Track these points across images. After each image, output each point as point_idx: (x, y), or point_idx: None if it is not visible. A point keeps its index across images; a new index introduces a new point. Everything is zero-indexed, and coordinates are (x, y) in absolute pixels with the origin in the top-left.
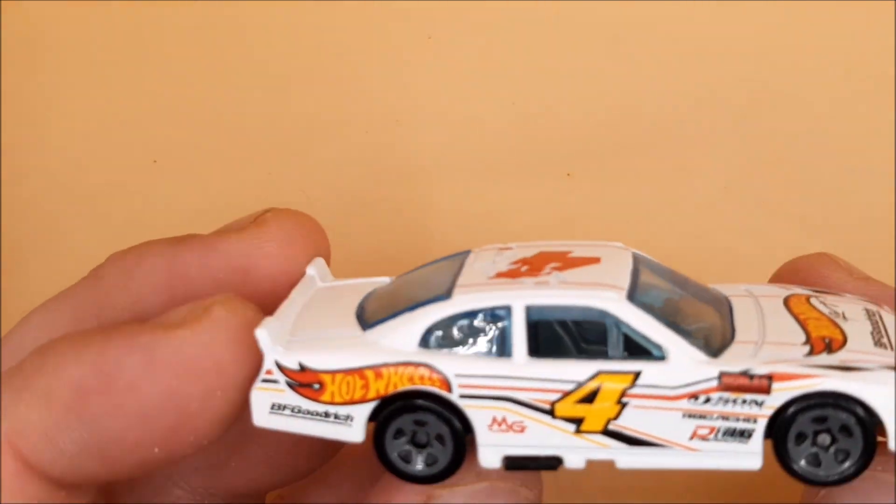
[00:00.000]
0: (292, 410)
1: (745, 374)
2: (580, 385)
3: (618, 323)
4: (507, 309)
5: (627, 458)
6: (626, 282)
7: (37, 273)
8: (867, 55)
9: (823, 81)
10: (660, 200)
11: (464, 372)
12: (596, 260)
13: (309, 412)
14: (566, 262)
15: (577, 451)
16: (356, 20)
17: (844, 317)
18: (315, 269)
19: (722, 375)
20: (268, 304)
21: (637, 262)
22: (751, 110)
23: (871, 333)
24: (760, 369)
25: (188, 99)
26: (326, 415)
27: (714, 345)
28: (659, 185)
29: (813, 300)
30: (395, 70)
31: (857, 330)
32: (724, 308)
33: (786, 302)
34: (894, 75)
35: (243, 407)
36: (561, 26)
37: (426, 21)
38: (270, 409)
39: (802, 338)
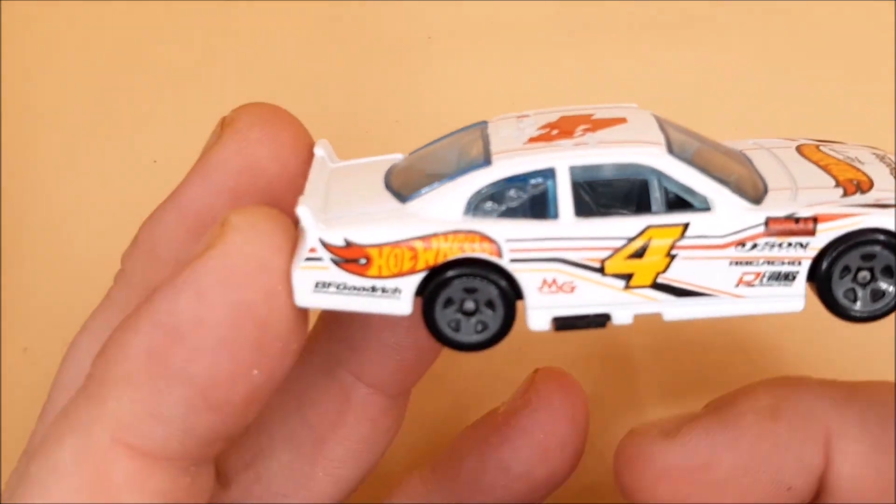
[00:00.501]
0: (337, 287)
1: (790, 217)
2: (630, 240)
3: (661, 177)
4: (551, 171)
5: (675, 311)
6: (661, 137)
7: (37, 273)
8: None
9: (823, 81)
10: None
11: (513, 236)
12: (622, 120)
13: (355, 288)
14: (595, 123)
15: (625, 306)
16: (356, 20)
17: (860, 160)
18: (323, 150)
19: (769, 221)
20: (285, 194)
21: (659, 120)
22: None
23: (891, 173)
24: (805, 212)
25: (188, 99)
26: (374, 289)
27: (753, 193)
28: None
29: (823, 148)
30: (394, 70)
31: (878, 171)
32: (746, 161)
33: (799, 151)
34: (894, 75)
35: None
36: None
37: (426, 21)
38: (315, 287)
39: (832, 182)
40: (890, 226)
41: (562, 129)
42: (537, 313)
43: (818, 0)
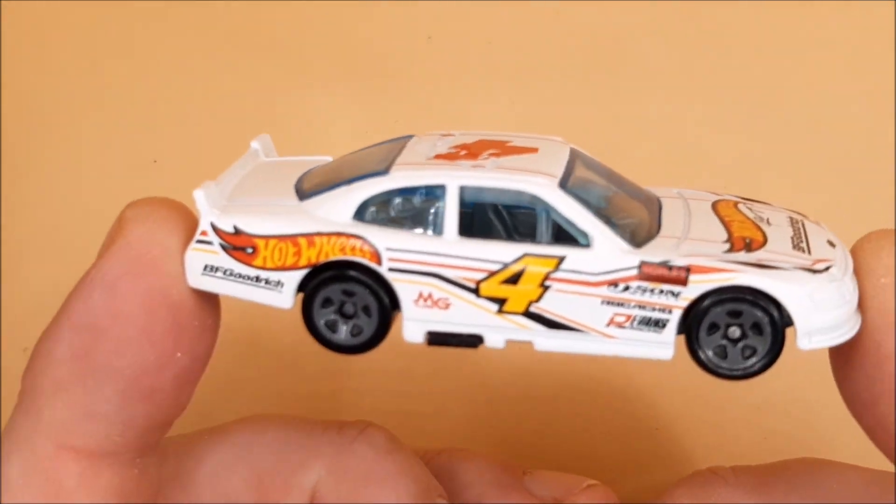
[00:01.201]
0: (224, 273)
1: (664, 264)
2: (506, 266)
3: (548, 209)
4: (442, 188)
5: (546, 341)
6: (559, 170)
7: (37, 273)
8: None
9: (823, 80)
10: None
11: (394, 246)
12: (534, 150)
13: (241, 275)
14: (505, 149)
15: (498, 330)
16: (357, 21)
17: (768, 222)
18: (259, 144)
19: (642, 265)
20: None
21: (574, 155)
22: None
23: (791, 238)
24: (679, 261)
25: (188, 99)
26: (258, 279)
27: (639, 237)
28: None
29: (741, 206)
30: (394, 69)
31: (779, 234)
32: (654, 206)
33: (714, 205)
34: (894, 75)
35: None
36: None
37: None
38: (203, 269)
39: (724, 236)
40: (760, 286)
41: (471, 150)
42: (412, 325)
43: (818, 0)
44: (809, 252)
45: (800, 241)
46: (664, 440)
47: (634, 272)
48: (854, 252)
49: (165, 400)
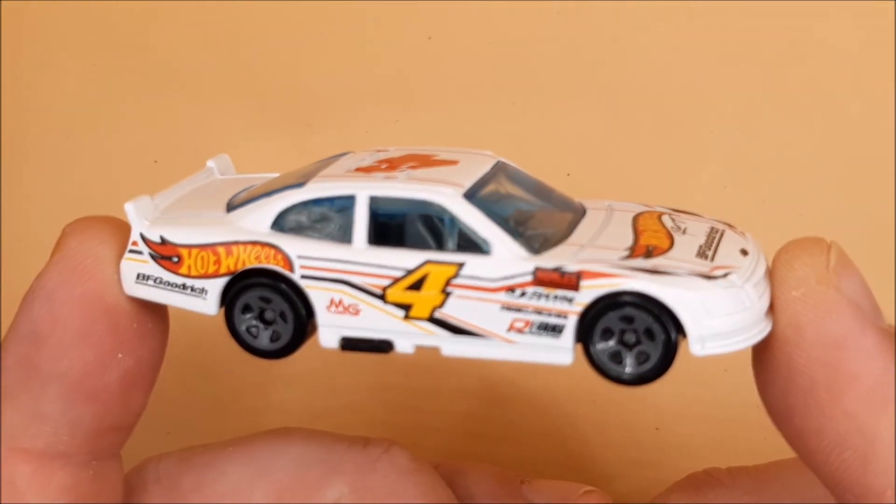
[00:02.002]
0: (155, 281)
1: (556, 270)
2: (409, 272)
3: (452, 218)
4: (352, 198)
5: (452, 347)
6: (470, 181)
7: (36, 273)
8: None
9: (823, 80)
10: None
11: (305, 254)
12: (454, 162)
13: (169, 283)
14: (425, 162)
15: (406, 336)
16: (357, 21)
17: (683, 231)
18: (215, 163)
19: (536, 270)
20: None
21: (497, 168)
22: (747, 111)
23: (700, 246)
24: (571, 267)
25: (188, 98)
26: (184, 287)
27: (544, 245)
28: None
29: (665, 217)
30: (393, 69)
31: (688, 242)
32: (573, 217)
33: (636, 216)
34: (894, 75)
35: None
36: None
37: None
38: (136, 278)
39: (628, 244)
40: (648, 290)
41: (392, 164)
42: (326, 331)
43: (818, 0)
44: (713, 259)
45: (707, 249)
46: (664, 440)
47: (530, 278)
48: (773, 261)
49: (112, 401)
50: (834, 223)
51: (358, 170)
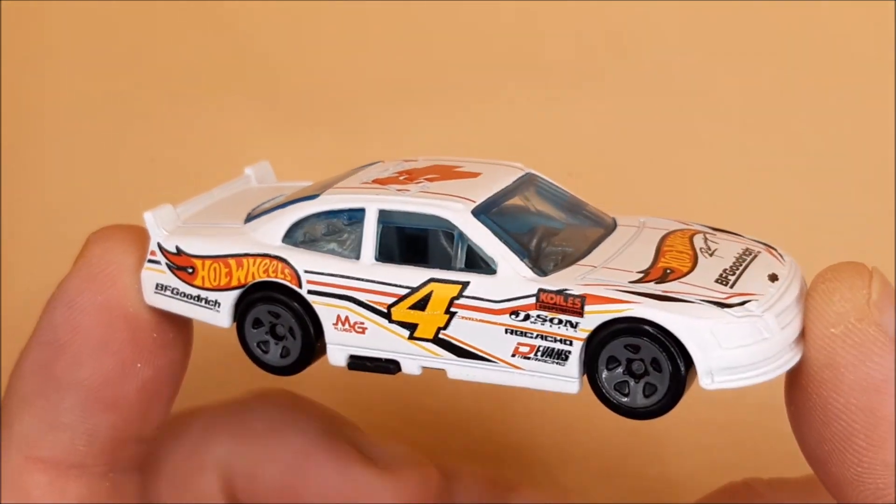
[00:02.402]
0: (172, 291)
1: (560, 293)
2: (413, 291)
3: (461, 235)
4: (362, 211)
5: (457, 370)
6: (483, 197)
7: (37, 273)
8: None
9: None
10: None
11: (313, 268)
12: (476, 174)
13: (185, 295)
14: (446, 174)
15: (412, 357)
16: (357, 21)
17: (712, 253)
18: (254, 170)
19: (540, 293)
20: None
21: (521, 181)
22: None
23: (723, 270)
24: (576, 290)
25: (187, 98)
26: (199, 298)
27: (557, 266)
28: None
29: (697, 237)
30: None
31: (712, 266)
32: (600, 235)
33: (665, 235)
34: (894, 76)
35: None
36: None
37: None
38: (155, 288)
39: (645, 266)
40: (653, 317)
41: (412, 175)
42: (334, 349)
43: (818, 0)
44: (734, 285)
45: (730, 274)
46: (665, 440)
47: (533, 300)
48: (809, 290)
49: (131, 412)
50: (837, 220)
51: (376, 181)
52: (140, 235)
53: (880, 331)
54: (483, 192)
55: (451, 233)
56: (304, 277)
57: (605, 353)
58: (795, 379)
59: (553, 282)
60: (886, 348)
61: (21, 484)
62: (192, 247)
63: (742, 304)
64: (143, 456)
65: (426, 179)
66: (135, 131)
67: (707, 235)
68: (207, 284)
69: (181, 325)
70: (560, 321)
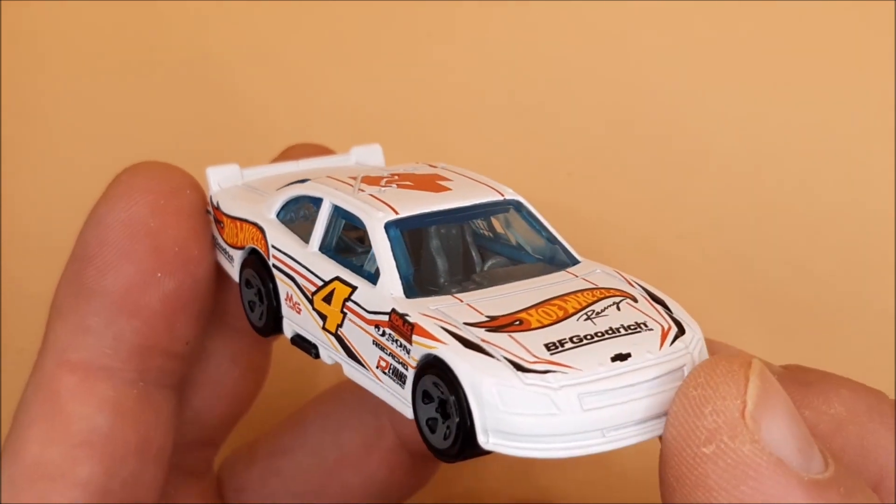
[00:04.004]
0: (216, 241)
1: (402, 316)
2: (325, 284)
3: (371, 241)
4: (320, 201)
5: (349, 369)
6: (413, 211)
7: (37, 273)
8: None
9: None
10: None
11: (277, 244)
12: (446, 189)
13: (219, 245)
14: (420, 183)
15: (324, 346)
16: (358, 21)
17: (595, 317)
18: (361, 150)
19: (392, 312)
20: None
21: (493, 207)
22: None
23: (573, 337)
24: (412, 317)
25: (188, 98)
26: (225, 251)
27: (431, 293)
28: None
29: (607, 300)
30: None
31: (570, 329)
32: (531, 273)
33: (582, 290)
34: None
35: (195, 225)
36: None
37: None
38: (213, 237)
39: (508, 312)
40: (449, 363)
41: (395, 179)
42: (285, 322)
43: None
44: (558, 353)
45: (573, 342)
46: None
47: (387, 318)
48: (679, 394)
49: (155, 320)
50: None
51: (364, 178)
52: (165, 168)
53: (756, 449)
54: (421, 207)
55: (370, 237)
56: (271, 252)
57: (419, 386)
58: (668, 491)
59: (407, 305)
60: (763, 469)
61: (52, 387)
62: (224, 204)
63: (544, 372)
64: (176, 373)
65: (397, 184)
66: (136, 130)
67: (624, 303)
68: (228, 240)
69: (204, 248)
70: (400, 344)
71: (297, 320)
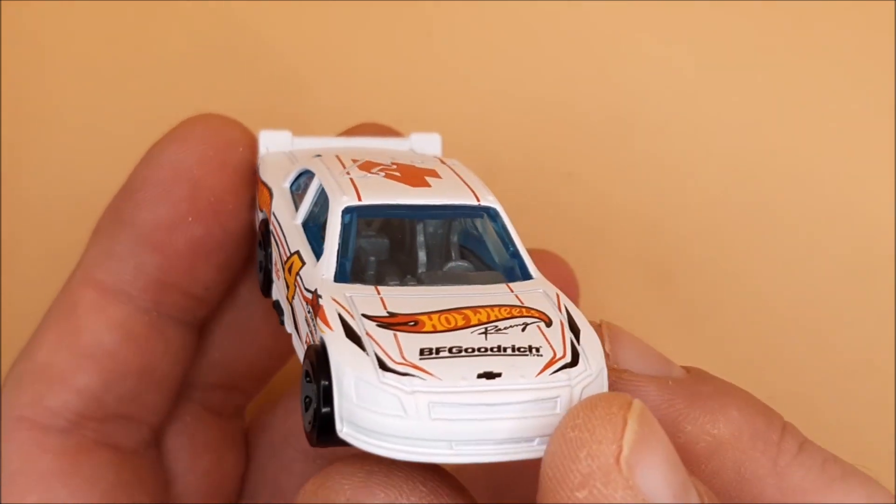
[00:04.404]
0: (256, 202)
1: (316, 297)
2: (290, 256)
3: (329, 221)
4: (312, 175)
5: (295, 342)
6: (375, 201)
7: (37, 273)
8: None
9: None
10: None
11: (276, 212)
12: (426, 185)
13: (258, 206)
14: (409, 176)
15: (286, 315)
16: (358, 21)
17: (492, 332)
18: (418, 137)
19: (314, 291)
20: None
21: (459, 209)
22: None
23: (453, 348)
24: (323, 300)
25: (188, 99)
26: (260, 210)
27: (360, 281)
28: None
29: (518, 320)
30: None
31: (458, 339)
32: (475, 281)
33: (506, 305)
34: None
35: (232, 177)
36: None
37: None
38: (254, 197)
39: (413, 311)
40: (327, 349)
41: (390, 167)
42: (273, 287)
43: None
44: (429, 359)
45: (445, 352)
46: None
47: (310, 296)
48: (556, 434)
49: (178, 260)
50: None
51: (365, 163)
52: (223, 124)
53: (629, 496)
54: (387, 198)
55: None
56: (272, 218)
57: (304, 365)
58: None
59: (329, 289)
60: None
61: (73, 299)
62: (262, 168)
63: (403, 374)
64: (192, 312)
65: (386, 173)
66: (136, 131)
67: (534, 325)
68: (260, 203)
69: (241, 203)
70: (316, 324)
71: (277, 286)
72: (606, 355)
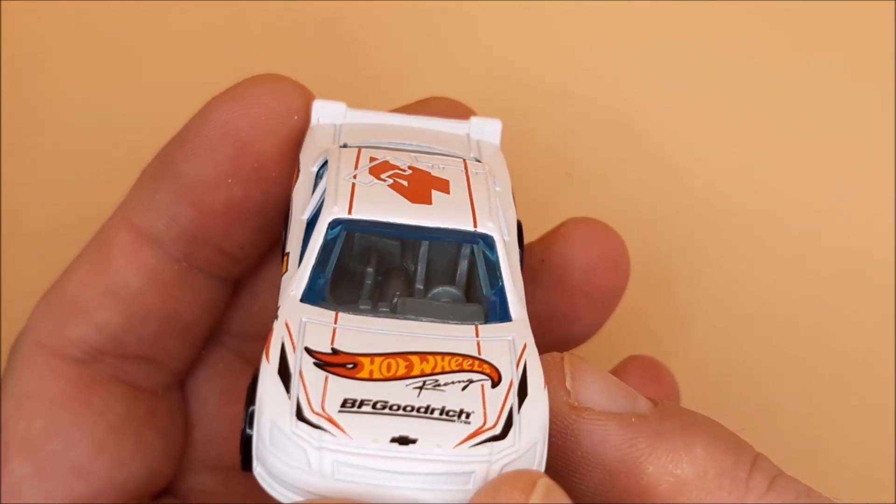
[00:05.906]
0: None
1: (277, 309)
2: (285, 255)
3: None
4: (326, 164)
5: None
6: (365, 216)
7: (36, 273)
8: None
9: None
10: None
11: (294, 196)
12: (427, 202)
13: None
14: (416, 188)
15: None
16: (358, 20)
17: (433, 387)
18: (476, 122)
19: (277, 307)
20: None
21: (453, 234)
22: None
23: (380, 403)
24: (277, 322)
25: (189, 99)
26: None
27: (326, 303)
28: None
29: (465, 376)
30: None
31: (394, 393)
32: (452, 317)
33: (459, 355)
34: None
35: (282, 141)
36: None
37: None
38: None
39: (362, 352)
40: (259, 383)
41: (412, 172)
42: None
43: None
44: (350, 412)
45: (367, 406)
46: None
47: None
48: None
49: (213, 218)
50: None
51: (382, 165)
52: (285, 89)
53: None
54: (380, 214)
55: None
56: (291, 201)
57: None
58: None
59: (290, 308)
60: None
61: (108, 238)
62: (304, 143)
63: (316, 426)
64: (225, 268)
65: (396, 180)
66: (137, 131)
67: (476, 384)
68: (295, 178)
69: (285, 172)
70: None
71: (288, 273)
72: (567, 393)
